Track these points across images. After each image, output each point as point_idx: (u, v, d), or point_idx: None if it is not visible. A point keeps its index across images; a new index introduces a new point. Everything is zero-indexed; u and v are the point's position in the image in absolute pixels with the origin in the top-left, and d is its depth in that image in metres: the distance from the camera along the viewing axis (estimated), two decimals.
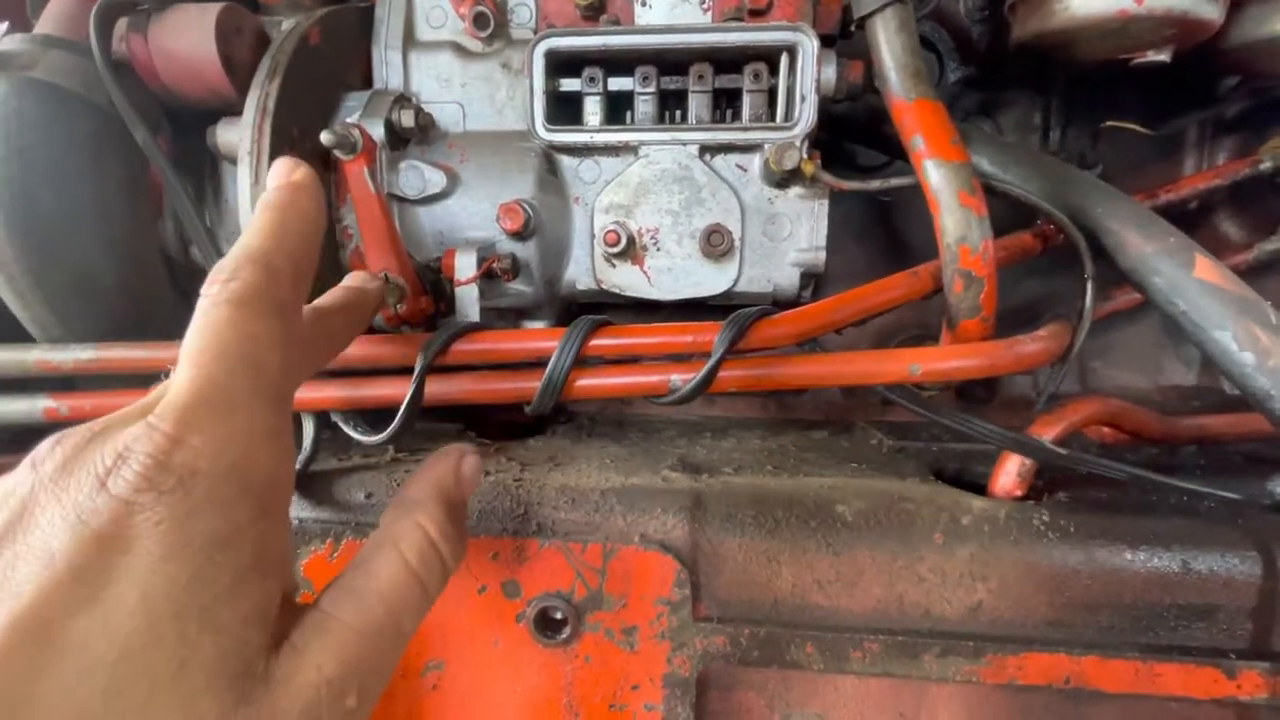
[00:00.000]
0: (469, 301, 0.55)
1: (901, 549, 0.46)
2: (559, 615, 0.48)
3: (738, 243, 0.58)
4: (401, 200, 0.59)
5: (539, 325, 0.63)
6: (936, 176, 0.49)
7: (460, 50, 0.62)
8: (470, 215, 0.59)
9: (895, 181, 0.54)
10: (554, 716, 0.49)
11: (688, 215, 0.58)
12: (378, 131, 0.57)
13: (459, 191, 0.59)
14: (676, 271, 0.59)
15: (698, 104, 0.58)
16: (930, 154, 0.49)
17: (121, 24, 0.58)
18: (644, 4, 0.59)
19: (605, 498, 0.48)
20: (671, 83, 0.58)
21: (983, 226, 0.49)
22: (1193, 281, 0.47)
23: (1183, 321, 0.48)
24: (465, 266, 0.55)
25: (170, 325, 0.62)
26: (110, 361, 0.53)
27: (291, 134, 0.55)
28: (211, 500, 0.24)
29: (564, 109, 0.59)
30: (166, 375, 0.28)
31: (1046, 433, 0.49)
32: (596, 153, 0.60)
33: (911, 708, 0.48)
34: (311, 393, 0.51)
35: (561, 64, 0.58)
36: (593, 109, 0.59)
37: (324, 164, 0.58)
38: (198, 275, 0.66)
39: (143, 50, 0.58)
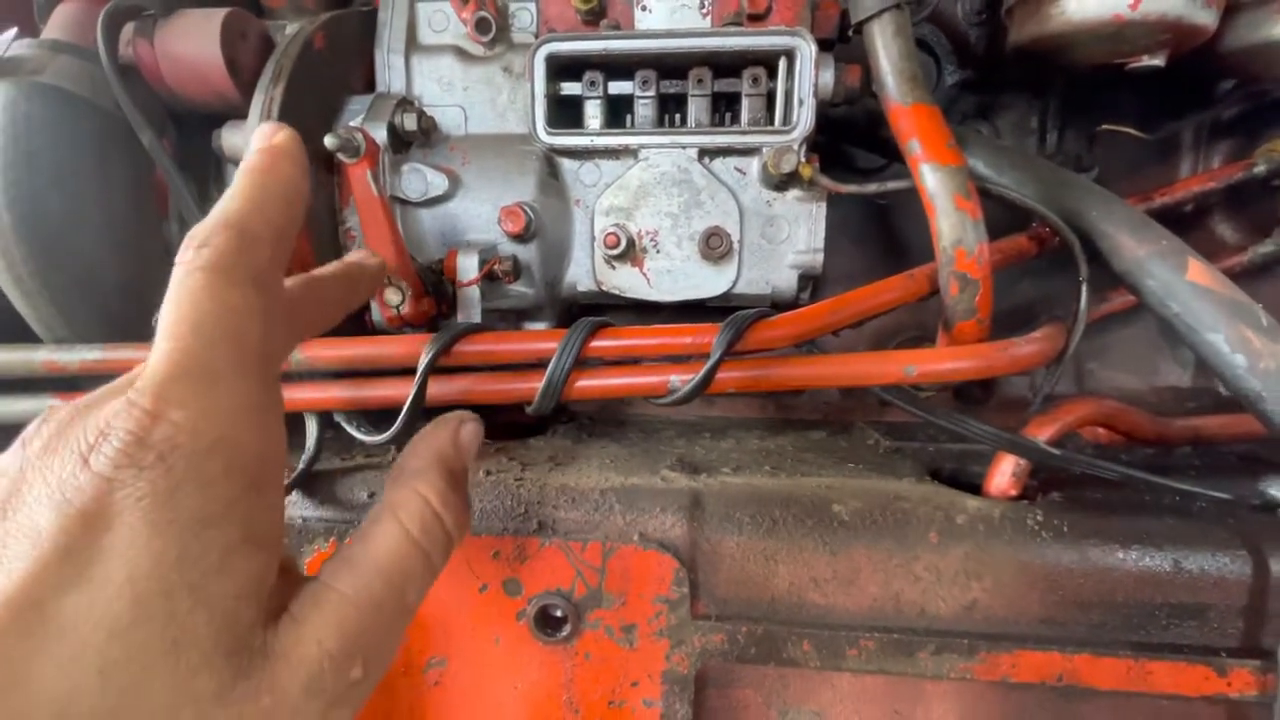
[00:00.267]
0: (471, 303, 0.56)
1: (897, 548, 0.47)
2: (559, 613, 0.48)
3: (736, 245, 0.59)
4: (404, 202, 0.60)
5: (540, 327, 0.64)
6: (932, 180, 0.50)
7: (462, 54, 0.63)
8: (472, 217, 0.60)
9: (892, 184, 0.54)
10: (554, 713, 0.49)
11: (687, 218, 0.59)
12: (381, 135, 0.58)
13: (461, 194, 0.60)
14: (676, 273, 0.60)
15: (697, 107, 0.59)
16: (926, 158, 0.50)
17: (128, 29, 0.59)
18: (644, 8, 0.60)
19: (605, 497, 0.49)
20: (671, 86, 0.59)
21: (978, 229, 0.49)
22: (1185, 284, 0.47)
23: (1176, 324, 0.48)
24: (467, 268, 0.55)
25: None
26: (116, 362, 0.53)
27: None
28: (194, 476, 0.23)
29: (565, 112, 0.60)
30: None
31: (1041, 433, 0.50)
32: (597, 156, 0.60)
33: (907, 705, 0.49)
34: (315, 393, 0.52)
35: (562, 68, 0.59)
36: (593, 112, 0.60)
37: (327, 167, 0.59)
38: None
39: (149, 55, 0.58)
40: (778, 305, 0.59)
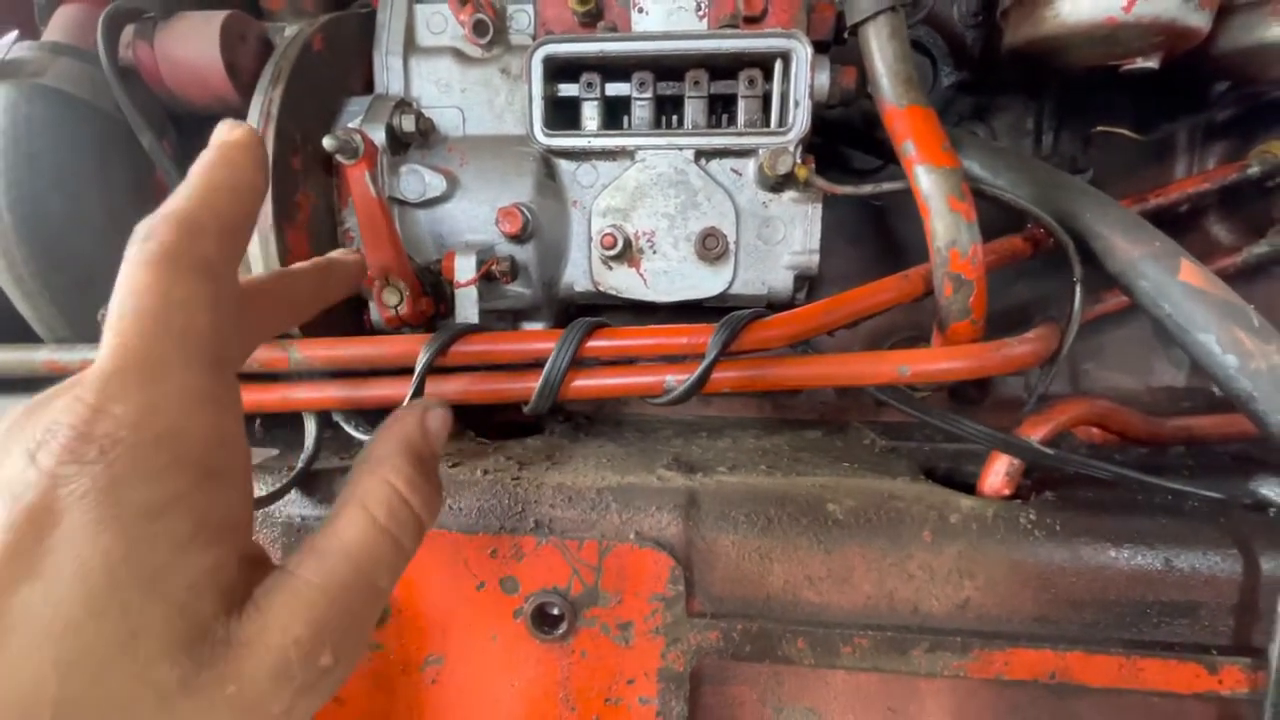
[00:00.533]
0: (468, 303, 0.56)
1: (891, 547, 0.47)
2: (556, 611, 0.49)
3: (732, 246, 0.59)
4: (402, 203, 0.60)
5: (537, 327, 0.64)
6: (927, 181, 0.50)
7: (460, 56, 0.63)
8: (469, 218, 0.60)
9: (887, 186, 0.55)
10: (551, 710, 0.50)
11: (683, 219, 0.59)
12: (379, 136, 0.58)
13: (458, 195, 0.60)
14: (672, 274, 0.60)
15: (693, 109, 0.59)
16: (921, 159, 0.50)
17: (128, 31, 0.59)
18: (641, 10, 0.60)
19: (601, 496, 0.49)
20: (668, 88, 0.59)
21: (972, 231, 0.49)
22: (1178, 285, 0.48)
23: (1168, 324, 0.49)
24: (465, 269, 0.56)
25: None
26: None
27: (294, 139, 0.56)
28: (139, 469, 0.23)
29: (562, 114, 0.60)
30: None
31: (1035, 433, 0.50)
32: (594, 157, 0.61)
33: (901, 702, 0.49)
34: (313, 392, 0.52)
35: (559, 69, 0.59)
36: (590, 114, 0.60)
37: (326, 168, 0.59)
38: None
39: (149, 57, 0.59)
40: (774, 306, 0.60)
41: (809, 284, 0.64)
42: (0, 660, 0.21)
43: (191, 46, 0.58)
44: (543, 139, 0.59)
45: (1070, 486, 0.52)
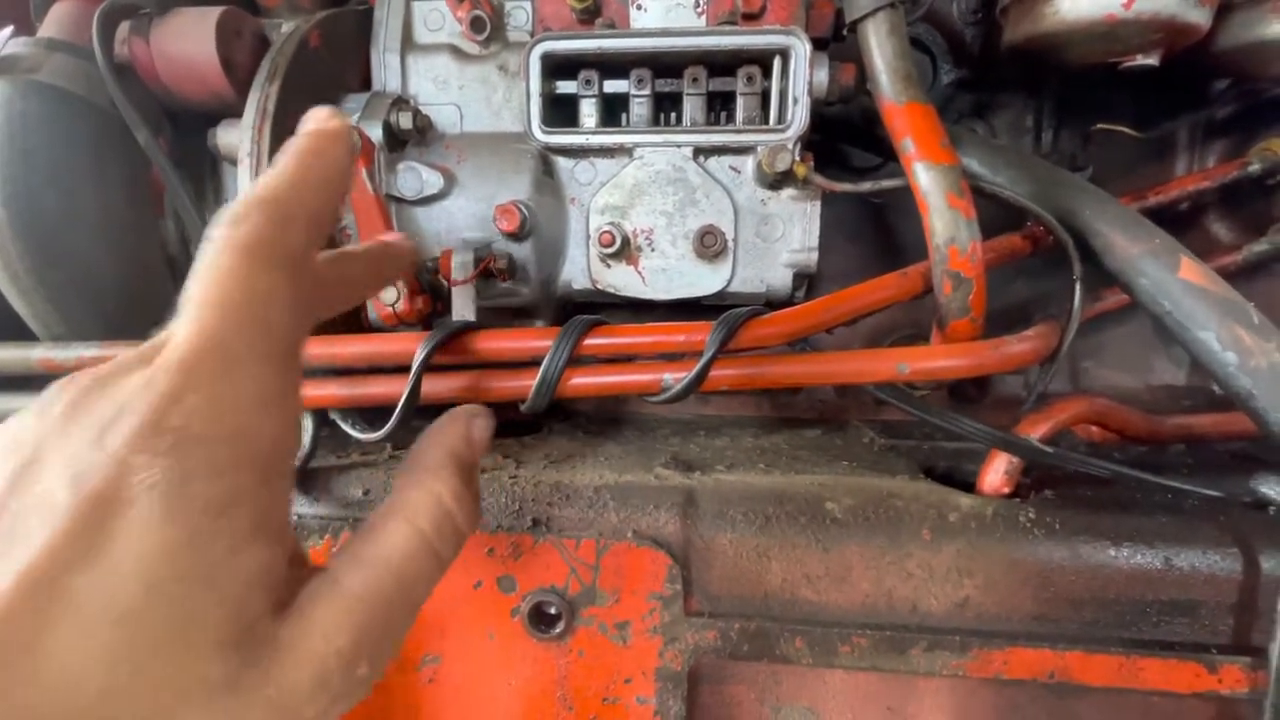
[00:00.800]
0: (465, 301, 0.56)
1: (890, 545, 0.47)
2: (553, 610, 0.48)
3: (731, 243, 0.59)
4: (399, 201, 0.60)
5: (535, 325, 0.64)
6: (926, 178, 0.50)
7: (458, 53, 0.63)
8: (467, 216, 0.60)
9: (886, 183, 0.55)
10: (548, 709, 0.50)
11: (682, 216, 0.59)
12: (376, 133, 0.58)
13: (456, 192, 0.60)
14: (671, 272, 0.60)
15: (692, 106, 0.59)
16: (920, 156, 0.50)
17: (123, 27, 0.59)
18: (639, 7, 0.60)
19: (599, 494, 0.49)
20: (666, 85, 0.59)
21: (971, 228, 0.49)
22: (1177, 283, 0.48)
23: (1168, 322, 0.48)
24: (462, 266, 0.55)
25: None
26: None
27: (291, 135, 0.55)
28: (209, 465, 0.23)
29: (560, 111, 0.60)
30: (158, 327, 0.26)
31: (1034, 431, 0.50)
32: (592, 154, 0.60)
33: (899, 701, 0.49)
34: (310, 390, 0.52)
35: (557, 67, 0.59)
36: (588, 111, 0.60)
37: None
38: None
39: (144, 53, 0.58)
40: (773, 304, 0.59)
41: (808, 282, 0.63)
42: (53, 642, 0.21)
43: (187, 43, 0.58)
44: (541, 136, 0.58)
45: (1070, 485, 0.52)
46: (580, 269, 0.62)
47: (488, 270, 0.57)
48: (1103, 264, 0.52)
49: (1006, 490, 0.50)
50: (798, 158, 0.56)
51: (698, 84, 0.58)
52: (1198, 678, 0.44)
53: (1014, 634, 0.46)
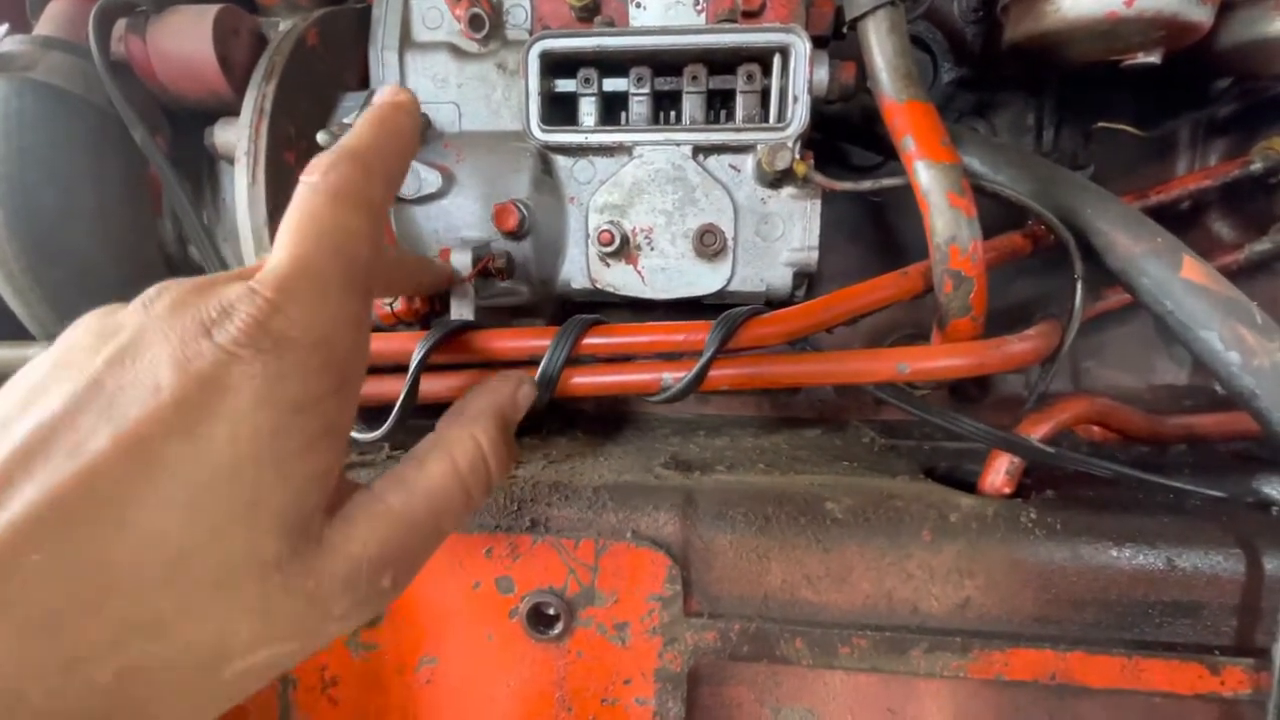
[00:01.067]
0: (464, 300, 0.56)
1: (890, 546, 0.47)
2: (552, 611, 0.48)
3: (731, 243, 0.59)
4: (398, 200, 0.59)
5: (534, 324, 0.63)
6: (926, 177, 0.50)
7: (456, 51, 0.63)
8: (466, 215, 0.60)
9: (887, 182, 0.54)
10: (547, 711, 0.49)
11: (681, 215, 0.59)
12: None
13: (454, 191, 0.60)
14: (670, 271, 0.60)
15: (691, 105, 0.59)
16: (920, 155, 0.50)
17: (120, 25, 0.58)
18: (638, 5, 0.59)
19: (598, 495, 0.49)
20: (665, 84, 0.59)
21: (972, 227, 0.49)
22: (1179, 282, 0.47)
23: (1170, 321, 0.48)
24: (460, 266, 0.55)
25: None
26: None
27: (289, 134, 0.55)
28: (299, 367, 0.26)
29: (559, 109, 0.60)
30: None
31: (1035, 431, 0.50)
32: (591, 153, 0.60)
33: (900, 703, 0.49)
34: None
35: (556, 65, 0.58)
36: (587, 110, 0.60)
37: None
38: (195, 273, 0.66)
39: (141, 51, 0.58)
40: (773, 303, 0.59)
41: (808, 281, 0.63)
42: (142, 497, 0.23)
43: (184, 41, 0.57)
44: (539, 135, 0.58)
45: (1071, 485, 0.51)
46: (579, 268, 0.62)
47: (486, 269, 0.56)
48: (1104, 263, 0.51)
49: (1008, 491, 0.50)
50: (798, 156, 0.55)
51: (697, 82, 0.58)
52: (1200, 679, 0.44)
53: (1015, 635, 0.46)
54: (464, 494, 0.33)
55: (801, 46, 0.54)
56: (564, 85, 0.60)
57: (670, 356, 0.50)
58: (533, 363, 0.49)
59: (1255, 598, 0.44)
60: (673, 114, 0.61)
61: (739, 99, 0.58)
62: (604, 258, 0.60)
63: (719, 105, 0.61)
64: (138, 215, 0.63)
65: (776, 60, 0.56)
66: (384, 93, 0.35)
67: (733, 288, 0.60)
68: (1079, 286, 0.51)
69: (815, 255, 0.59)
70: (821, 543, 0.47)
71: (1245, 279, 0.65)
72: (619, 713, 0.49)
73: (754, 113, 0.58)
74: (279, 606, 0.26)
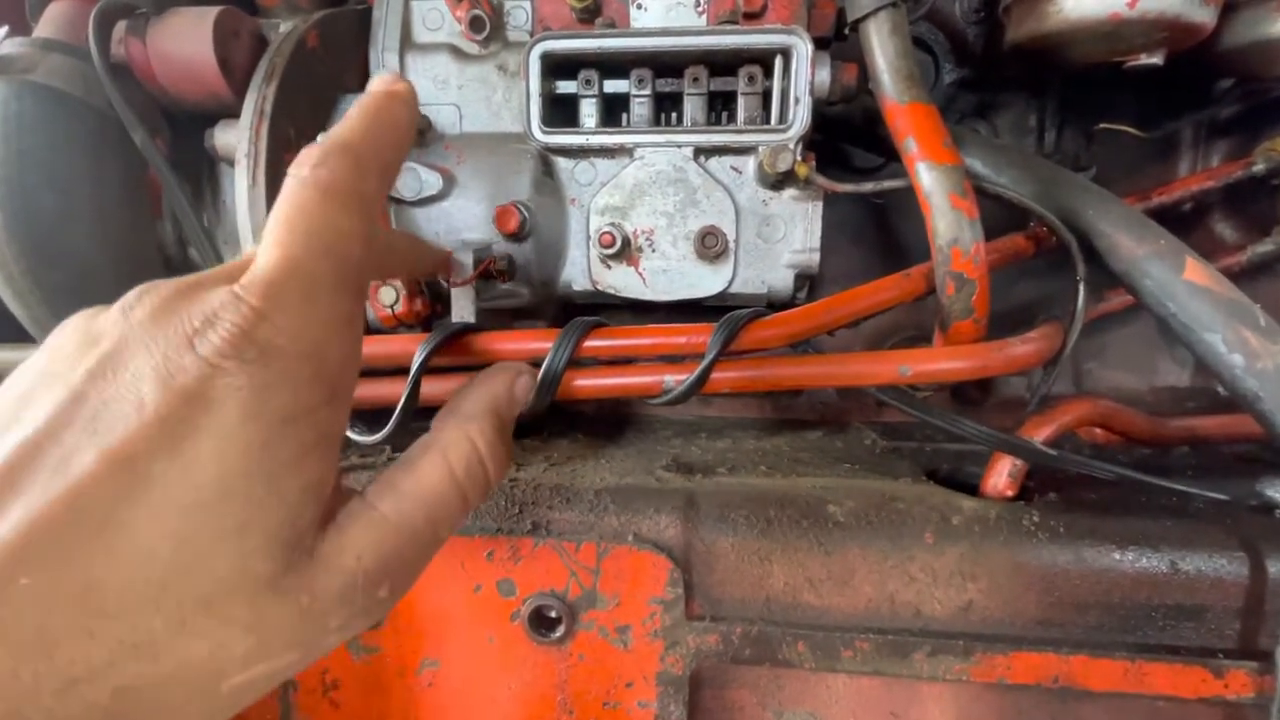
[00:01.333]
0: (465, 302, 0.55)
1: (892, 549, 0.46)
2: (553, 614, 0.48)
3: (732, 244, 0.59)
4: (398, 202, 0.59)
5: (535, 326, 0.63)
6: (928, 179, 0.49)
7: (457, 53, 0.63)
8: (466, 217, 0.59)
9: (888, 183, 0.54)
10: (548, 714, 0.49)
11: (682, 217, 0.59)
12: None
13: (455, 193, 0.60)
14: (671, 273, 0.60)
15: (693, 106, 0.58)
16: (922, 156, 0.50)
17: (120, 27, 0.58)
18: (639, 7, 0.59)
19: (599, 497, 0.49)
20: (667, 85, 0.59)
21: (974, 229, 0.49)
22: (1182, 284, 0.47)
23: (1173, 323, 0.48)
24: (461, 268, 0.55)
25: None
26: None
27: (289, 136, 0.55)
28: (287, 377, 0.25)
29: (560, 111, 0.60)
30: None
31: (1037, 434, 0.49)
32: (592, 155, 0.60)
33: (902, 706, 0.49)
34: None
35: (557, 66, 0.58)
36: (588, 111, 0.60)
37: None
38: None
39: (141, 53, 0.58)
40: (774, 305, 0.59)
41: (809, 283, 0.63)
42: (129, 518, 0.22)
43: (184, 43, 0.57)
44: (540, 136, 0.58)
45: (1074, 488, 0.51)
46: (580, 270, 0.62)
47: (487, 271, 0.56)
48: (1107, 265, 0.51)
49: (1010, 493, 0.49)
50: (799, 158, 0.55)
51: (698, 84, 0.58)
52: (1204, 683, 0.44)
53: (1018, 638, 0.46)
54: (461, 498, 0.32)
55: (803, 48, 0.54)
56: (565, 87, 0.59)
57: (672, 359, 0.50)
58: (534, 365, 0.48)
59: (1259, 601, 0.44)
60: (674, 116, 0.61)
61: (740, 100, 0.58)
62: (605, 259, 0.60)
63: (720, 107, 0.61)
64: (137, 217, 0.63)
65: (778, 62, 0.56)
66: (378, 82, 0.33)
67: (734, 290, 0.60)
68: (1081, 288, 0.51)
69: (817, 257, 0.59)
70: (823, 545, 0.47)
71: (1248, 281, 0.65)
72: (621, 716, 0.49)
73: (755, 114, 0.58)
74: (273, 622, 0.25)
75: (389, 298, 0.54)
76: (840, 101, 0.59)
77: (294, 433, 0.25)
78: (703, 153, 0.58)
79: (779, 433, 0.66)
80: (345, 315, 0.28)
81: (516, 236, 0.57)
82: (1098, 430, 0.57)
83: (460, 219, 0.60)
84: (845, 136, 0.69)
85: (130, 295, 0.26)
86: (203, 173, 0.66)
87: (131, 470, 0.22)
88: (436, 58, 0.63)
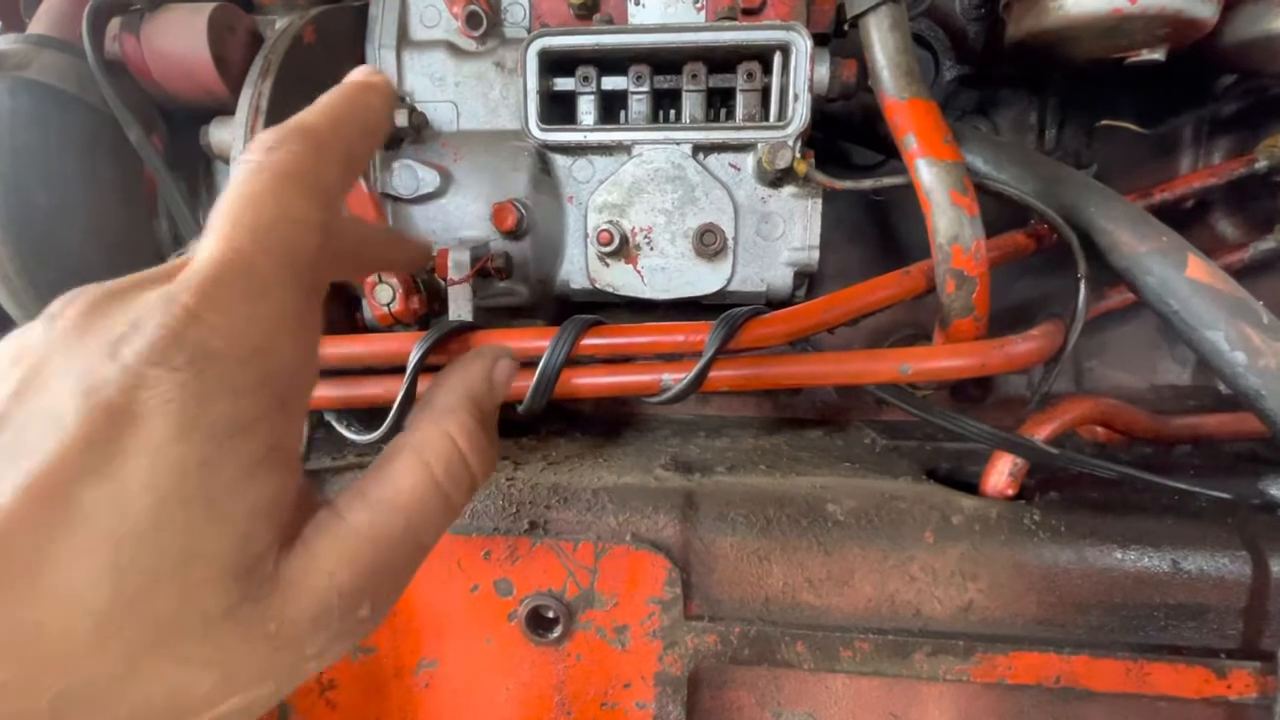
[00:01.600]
0: (462, 301, 0.55)
1: (892, 548, 0.46)
2: (551, 614, 0.48)
3: (731, 242, 0.58)
4: (395, 199, 0.59)
5: (532, 324, 0.63)
6: (928, 175, 0.49)
7: (454, 49, 0.62)
8: (464, 214, 0.59)
9: (888, 180, 0.54)
10: (546, 715, 0.49)
11: (681, 214, 0.58)
12: None
13: (452, 191, 0.59)
14: (670, 271, 0.60)
15: (691, 103, 0.58)
16: (922, 153, 0.49)
17: (114, 24, 0.58)
18: (637, 3, 0.59)
19: (597, 496, 0.48)
20: (665, 82, 0.58)
21: (975, 226, 0.49)
22: (1185, 281, 0.47)
23: (1175, 321, 0.48)
24: (458, 266, 0.55)
25: None
26: None
27: None
28: (226, 384, 0.22)
29: (558, 108, 0.59)
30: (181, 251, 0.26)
31: (1038, 432, 0.49)
32: (590, 152, 0.60)
33: (902, 707, 0.48)
34: None
35: (555, 63, 0.58)
36: (586, 108, 0.59)
37: None
38: None
39: (136, 50, 0.58)
40: (773, 303, 0.59)
41: (809, 281, 0.63)
42: (57, 556, 0.20)
43: (179, 40, 0.57)
44: (538, 134, 0.58)
45: (1075, 487, 0.51)
46: (578, 268, 0.61)
47: (485, 269, 0.56)
48: (1108, 262, 0.51)
49: (1011, 492, 0.49)
50: (798, 155, 0.55)
51: (697, 80, 0.57)
52: (1206, 683, 0.43)
53: (1019, 638, 0.45)
54: (442, 501, 0.29)
55: (802, 44, 0.54)
56: (563, 84, 0.59)
57: (670, 357, 0.50)
58: (532, 364, 0.48)
59: (1261, 600, 0.44)
60: (672, 113, 0.61)
61: (739, 97, 0.57)
62: (603, 257, 0.60)
63: (719, 104, 0.61)
64: (133, 215, 0.63)
65: (777, 58, 0.55)
66: (355, 72, 0.31)
67: (733, 287, 0.60)
68: (1082, 286, 0.51)
69: (816, 255, 0.59)
70: (823, 545, 0.47)
71: (1250, 278, 0.65)
72: (618, 716, 0.48)
73: (754, 111, 0.57)
74: (238, 656, 0.23)
75: (386, 296, 0.54)
76: (839, 98, 0.59)
77: (238, 447, 0.22)
78: (701, 150, 0.58)
79: (778, 431, 0.66)
80: (297, 315, 0.25)
81: (514, 234, 0.57)
82: (1099, 429, 0.57)
83: (457, 217, 0.59)
84: (844, 133, 0.69)
85: (57, 302, 0.23)
86: (198, 170, 0.66)
87: (57, 499, 0.20)
88: (433, 54, 0.62)
